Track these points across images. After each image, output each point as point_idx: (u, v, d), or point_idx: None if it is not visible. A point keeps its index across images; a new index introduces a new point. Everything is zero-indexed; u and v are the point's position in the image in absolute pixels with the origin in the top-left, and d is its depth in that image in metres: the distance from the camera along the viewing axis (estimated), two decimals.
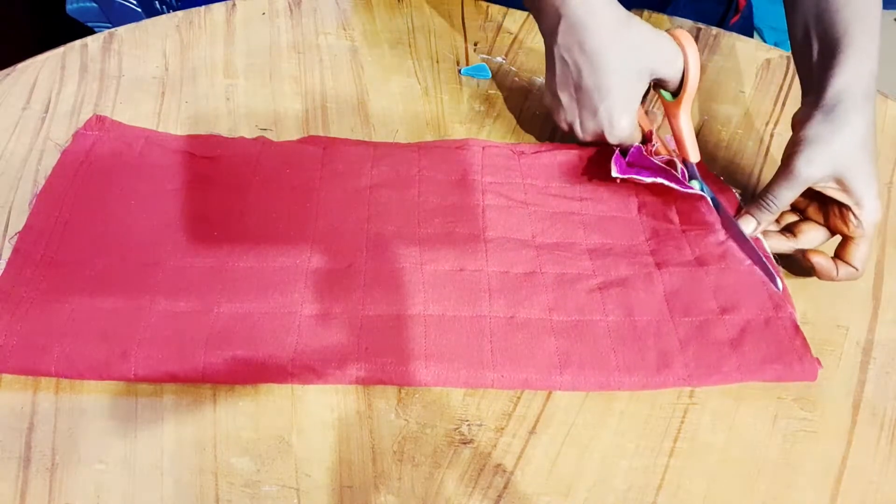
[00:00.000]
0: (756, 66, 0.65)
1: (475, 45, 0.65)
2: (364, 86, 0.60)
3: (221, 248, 0.45)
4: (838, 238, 0.47)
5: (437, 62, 0.63)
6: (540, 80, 0.62)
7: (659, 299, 0.44)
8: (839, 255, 0.45)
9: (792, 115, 0.47)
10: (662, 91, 0.50)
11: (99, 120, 0.52)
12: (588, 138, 0.51)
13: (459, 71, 0.62)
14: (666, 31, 0.48)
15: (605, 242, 0.48)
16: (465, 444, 0.39)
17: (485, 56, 0.64)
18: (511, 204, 0.50)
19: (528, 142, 0.57)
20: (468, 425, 0.40)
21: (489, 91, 0.61)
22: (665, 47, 0.47)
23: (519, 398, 0.41)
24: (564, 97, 0.50)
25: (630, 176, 0.48)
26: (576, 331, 0.42)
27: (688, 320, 0.43)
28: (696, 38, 0.67)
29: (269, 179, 0.49)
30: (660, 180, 0.47)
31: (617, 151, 0.49)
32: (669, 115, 0.49)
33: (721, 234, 0.47)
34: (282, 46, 0.62)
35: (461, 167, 0.51)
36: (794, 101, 0.62)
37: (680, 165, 0.49)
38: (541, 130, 0.58)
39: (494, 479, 0.38)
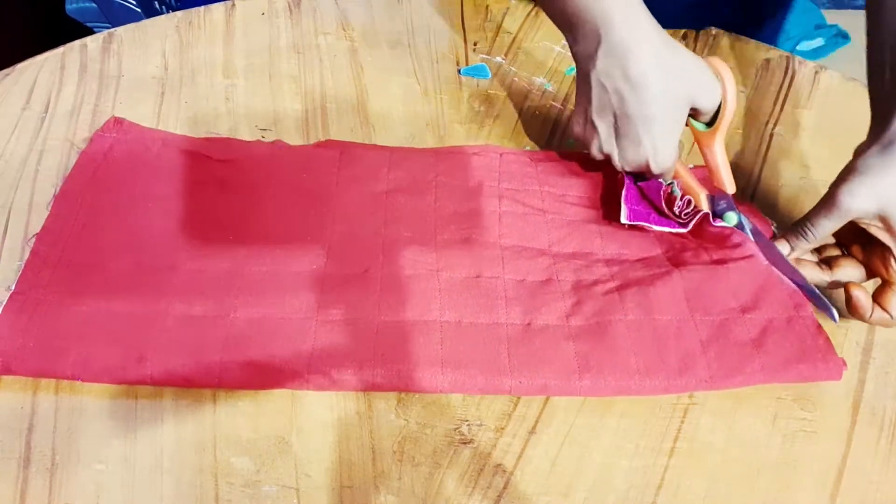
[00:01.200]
0: (756, 66, 0.65)
1: (475, 45, 0.65)
2: (364, 86, 0.60)
3: (237, 252, 0.45)
4: (878, 281, 0.44)
5: (437, 62, 0.63)
6: (539, 79, 0.62)
7: (679, 298, 0.44)
8: (876, 298, 0.43)
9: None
10: (694, 122, 0.48)
11: (117, 122, 0.52)
12: (628, 168, 0.49)
13: (459, 71, 0.62)
14: (704, 58, 0.46)
15: (622, 253, 0.47)
16: (465, 444, 0.39)
17: (485, 56, 0.64)
18: (528, 211, 0.49)
19: (527, 142, 0.57)
20: (468, 425, 0.40)
21: (489, 91, 0.60)
22: (705, 76, 0.45)
23: (519, 398, 0.41)
24: (602, 126, 0.47)
25: (639, 223, 0.47)
26: (594, 333, 0.42)
27: (709, 319, 0.43)
28: (696, 38, 0.67)
29: (285, 184, 0.49)
30: (667, 229, 0.47)
31: (626, 187, 0.48)
32: (703, 145, 0.48)
33: (736, 237, 0.46)
34: (281, 46, 0.62)
35: (478, 173, 0.51)
36: (794, 102, 0.62)
37: (706, 204, 0.48)
38: (541, 130, 0.58)
39: (494, 479, 0.38)
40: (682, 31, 0.67)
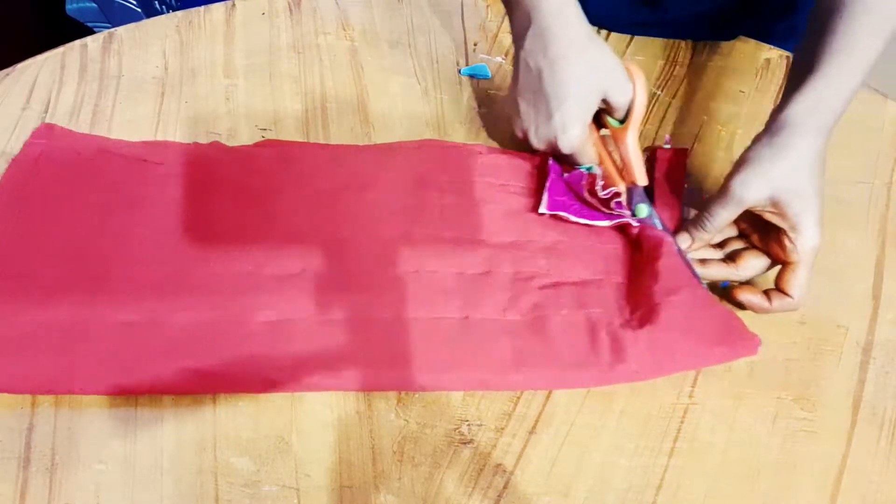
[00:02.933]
0: (756, 66, 0.65)
1: (475, 45, 0.65)
2: (364, 86, 0.60)
3: (173, 256, 0.44)
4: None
5: (437, 62, 0.63)
6: None
7: (611, 298, 0.44)
8: (777, 284, 0.45)
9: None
10: (610, 119, 0.50)
11: (48, 128, 0.51)
12: (541, 146, 0.51)
13: (459, 71, 0.62)
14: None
15: (561, 240, 0.48)
16: (465, 444, 0.39)
17: (485, 56, 0.64)
18: (469, 203, 0.49)
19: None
20: (468, 425, 0.40)
21: (489, 91, 0.60)
22: (618, 73, 0.48)
23: (519, 398, 0.41)
24: (523, 103, 0.50)
25: (557, 212, 0.48)
26: (530, 328, 0.42)
27: (639, 312, 0.43)
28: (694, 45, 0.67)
29: (223, 185, 0.49)
30: (584, 221, 0.48)
31: (550, 180, 0.49)
32: (617, 140, 0.50)
33: (657, 231, 0.47)
34: (281, 46, 0.62)
35: (420, 168, 0.51)
36: None
37: (624, 196, 0.49)
38: None
39: (494, 479, 0.38)
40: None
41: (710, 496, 0.38)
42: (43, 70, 0.58)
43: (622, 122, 0.49)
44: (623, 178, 0.50)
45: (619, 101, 0.48)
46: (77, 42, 0.61)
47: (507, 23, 0.67)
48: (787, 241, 0.44)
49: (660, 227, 0.47)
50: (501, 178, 0.51)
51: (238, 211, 0.47)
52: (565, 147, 0.49)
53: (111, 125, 0.54)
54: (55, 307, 0.41)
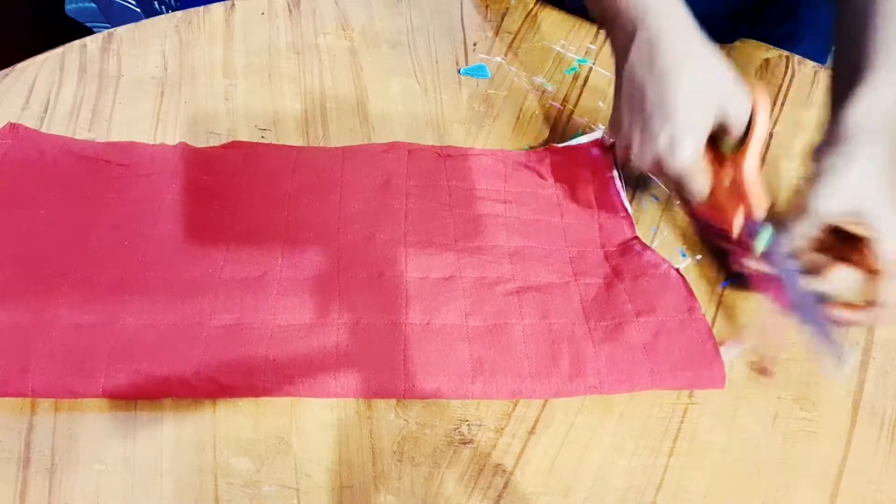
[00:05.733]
0: (756, 66, 0.65)
1: (475, 45, 0.65)
2: (363, 86, 0.60)
3: (132, 257, 0.44)
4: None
5: (437, 62, 0.63)
6: (539, 79, 0.62)
7: (576, 306, 0.44)
8: (869, 296, 0.42)
9: (813, 146, 0.44)
10: (724, 141, 0.45)
11: (13, 128, 0.51)
12: (645, 168, 0.45)
13: (459, 71, 0.62)
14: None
15: (527, 245, 0.47)
16: (464, 444, 0.39)
17: (484, 56, 0.64)
18: (435, 207, 0.49)
19: (527, 142, 0.57)
20: (468, 425, 0.40)
21: (489, 91, 0.60)
22: (738, 86, 0.43)
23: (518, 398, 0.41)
24: (626, 119, 0.45)
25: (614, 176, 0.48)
26: (491, 336, 0.42)
27: (603, 324, 0.43)
28: None
29: (184, 187, 0.48)
30: (622, 195, 0.48)
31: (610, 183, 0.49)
32: (734, 166, 0.45)
33: (637, 246, 0.47)
34: (281, 46, 0.62)
35: (386, 171, 0.51)
36: (794, 102, 0.62)
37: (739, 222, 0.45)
38: (540, 130, 0.58)
39: (494, 479, 0.38)
40: None
41: (710, 496, 0.38)
42: (42, 70, 0.58)
43: (738, 146, 0.44)
44: (734, 208, 0.45)
45: (736, 117, 0.43)
46: (76, 42, 0.61)
47: (506, 22, 0.67)
48: (876, 251, 0.41)
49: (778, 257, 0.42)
50: (468, 182, 0.51)
51: (199, 213, 0.47)
52: (673, 169, 0.43)
53: (110, 125, 0.54)
54: (9, 308, 0.40)
